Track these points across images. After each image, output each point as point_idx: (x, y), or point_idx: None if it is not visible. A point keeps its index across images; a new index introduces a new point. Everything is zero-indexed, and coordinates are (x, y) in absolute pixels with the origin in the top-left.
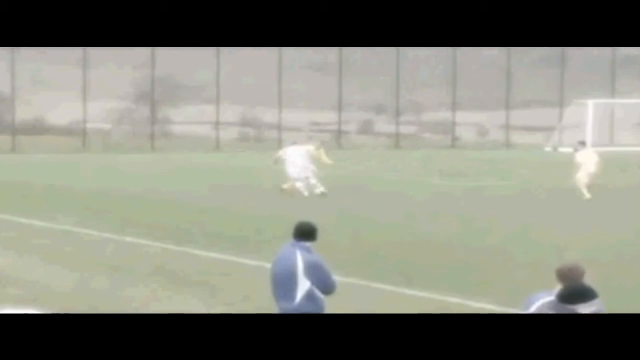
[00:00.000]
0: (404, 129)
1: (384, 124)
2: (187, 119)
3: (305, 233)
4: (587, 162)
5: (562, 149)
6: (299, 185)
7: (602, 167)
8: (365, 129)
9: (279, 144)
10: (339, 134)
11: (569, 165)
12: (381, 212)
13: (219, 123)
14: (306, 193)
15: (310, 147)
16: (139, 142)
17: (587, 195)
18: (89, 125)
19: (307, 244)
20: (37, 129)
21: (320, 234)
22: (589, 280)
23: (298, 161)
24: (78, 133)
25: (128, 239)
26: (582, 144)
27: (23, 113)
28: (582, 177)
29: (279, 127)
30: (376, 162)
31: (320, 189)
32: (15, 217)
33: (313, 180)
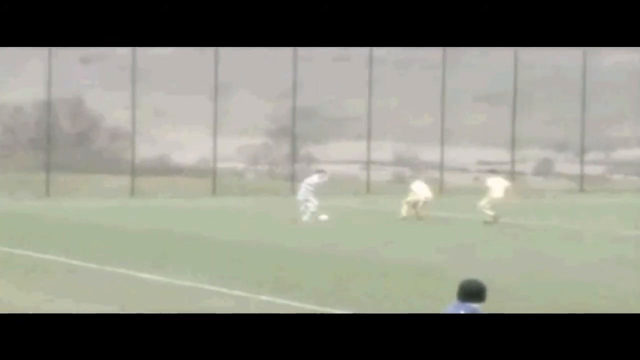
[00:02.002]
0: (590, 170)
1: (565, 164)
2: (333, 157)
3: (472, 293)
4: (495, 187)
5: None
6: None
7: (510, 193)
8: (544, 169)
9: (441, 187)
10: (512, 175)
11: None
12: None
13: (370, 162)
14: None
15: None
16: (277, 184)
17: (490, 214)
18: (219, 165)
19: (475, 305)
20: (161, 169)
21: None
22: None
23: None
24: (207, 174)
25: (263, 297)
26: (493, 171)
27: (144, 151)
28: (487, 202)
29: (441, 168)
30: (554, 209)
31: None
32: (130, 270)
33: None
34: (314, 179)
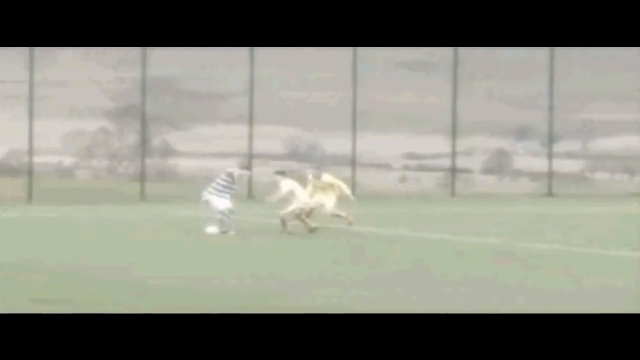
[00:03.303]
0: (563, 166)
1: (528, 158)
2: (200, 148)
3: None
4: (299, 191)
5: None
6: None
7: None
8: (496, 165)
9: (353, 189)
10: (453, 173)
11: None
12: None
13: (253, 156)
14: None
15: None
16: (120, 187)
17: (312, 225)
18: (36, 160)
19: None
20: None
21: None
22: None
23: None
24: (20, 172)
25: None
26: (282, 173)
27: None
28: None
29: (352, 163)
30: (515, 222)
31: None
32: None
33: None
34: (235, 172)
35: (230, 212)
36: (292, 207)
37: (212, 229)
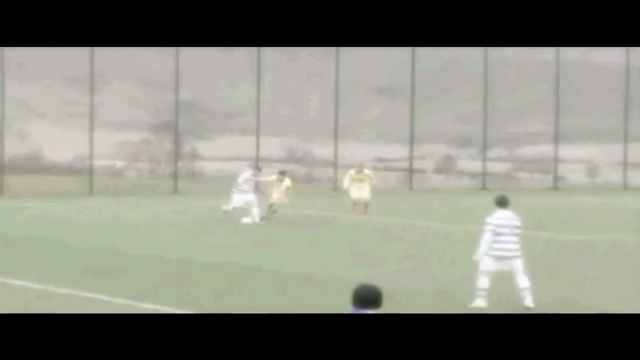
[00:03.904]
0: (493, 167)
1: (467, 161)
2: (219, 153)
3: (368, 300)
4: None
5: None
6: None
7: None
8: (444, 167)
9: (335, 185)
10: (411, 173)
11: None
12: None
13: (259, 159)
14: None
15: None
16: (158, 184)
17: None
18: (96, 163)
19: (371, 312)
20: (32, 167)
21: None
22: None
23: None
24: (82, 172)
25: None
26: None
27: (14, 147)
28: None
29: (335, 165)
30: (457, 208)
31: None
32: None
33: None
34: (247, 174)
35: (235, 208)
36: (285, 200)
37: (246, 219)
